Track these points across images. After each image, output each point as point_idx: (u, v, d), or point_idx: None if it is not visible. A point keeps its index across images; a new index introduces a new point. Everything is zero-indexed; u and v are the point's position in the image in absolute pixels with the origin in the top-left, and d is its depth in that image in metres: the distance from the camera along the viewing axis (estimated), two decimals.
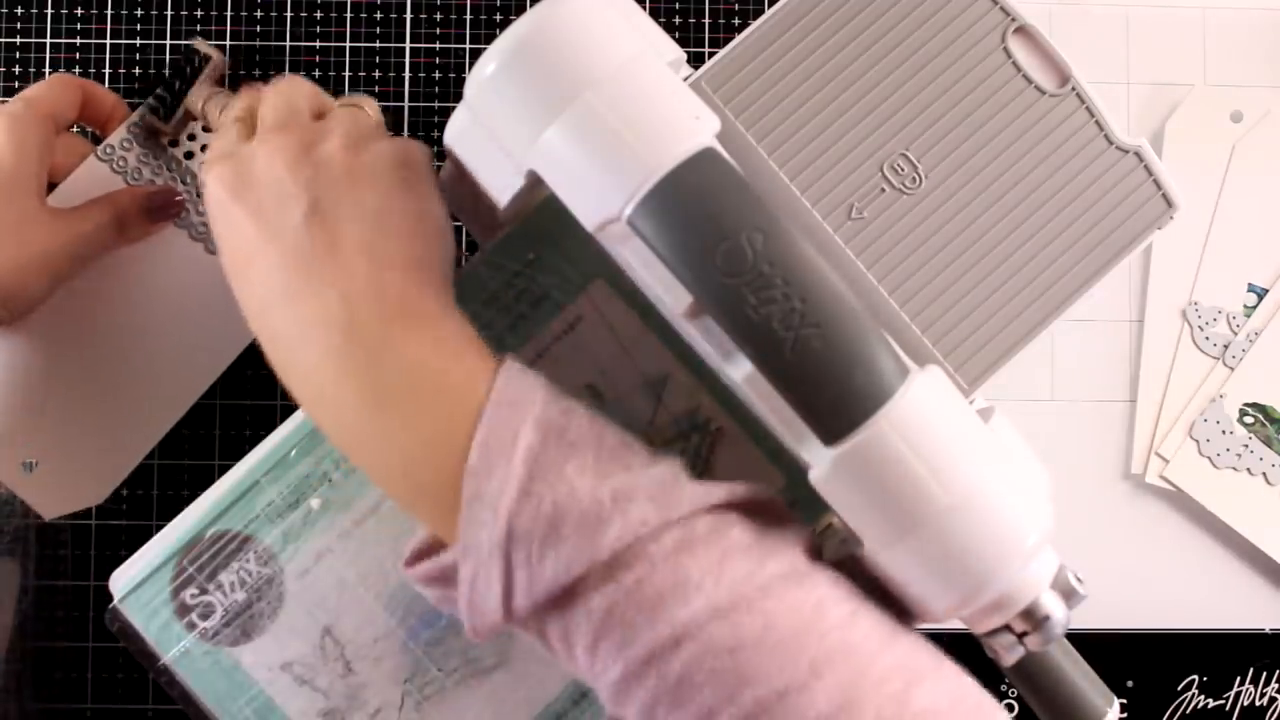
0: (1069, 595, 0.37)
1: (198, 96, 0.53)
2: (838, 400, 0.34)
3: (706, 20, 0.59)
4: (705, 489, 0.36)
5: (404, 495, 0.38)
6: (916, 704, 0.33)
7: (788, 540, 0.36)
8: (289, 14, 0.59)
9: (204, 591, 0.44)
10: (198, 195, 0.55)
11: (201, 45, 0.54)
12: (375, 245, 0.37)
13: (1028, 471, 0.39)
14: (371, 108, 0.44)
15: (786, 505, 0.39)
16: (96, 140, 0.54)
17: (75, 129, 0.55)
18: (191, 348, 0.56)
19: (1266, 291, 0.59)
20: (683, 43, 0.53)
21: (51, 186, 0.53)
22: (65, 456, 0.55)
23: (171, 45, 0.58)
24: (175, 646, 0.44)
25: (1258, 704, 0.58)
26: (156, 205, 0.53)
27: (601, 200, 0.35)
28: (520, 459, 0.35)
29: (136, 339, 0.55)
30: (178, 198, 0.54)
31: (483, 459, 0.35)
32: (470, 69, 0.37)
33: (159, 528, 0.44)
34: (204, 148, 0.56)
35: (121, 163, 0.54)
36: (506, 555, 0.34)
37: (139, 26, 0.58)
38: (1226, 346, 0.59)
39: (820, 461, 0.35)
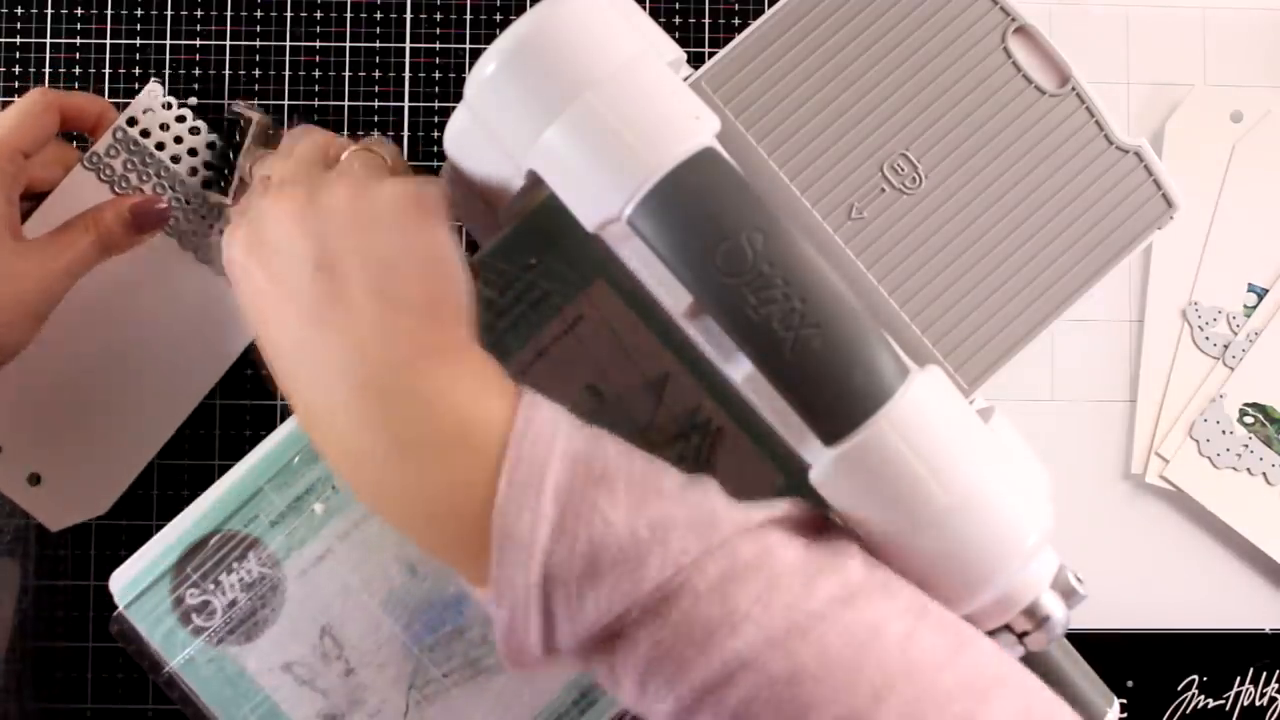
0: (1069, 595, 0.37)
1: (247, 160, 0.53)
2: (837, 400, 0.34)
3: (706, 20, 0.59)
4: (744, 511, 0.35)
5: (431, 543, 0.37)
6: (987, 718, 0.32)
7: (835, 553, 0.35)
8: (289, 14, 0.58)
9: (206, 594, 0.44)
10: (186, 202, 0.55)
11: (242, 108, 0.54)
12: (385, 290, 0.36)
13: (1028, 471, 0.39)
14: (387, 150, 0.42)
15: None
16: (85, 144, 0.54)
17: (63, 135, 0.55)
18: (187, 355, 0.56)
19: (1266, 291, 0.59)
20: (683, 43, 0.53)
21: (41, 196, 0.53)
22: (69, 468, 0.55)
23: (172, 45, 0.58)
24: (180, 653, 0.44)
25: (1258, 704, 0.58)
26: (142, 216, 0.52)
27: (601, 200, 0.35)
28: (550, 496, 0.34)
29: (133, 348, 0.55)
30: (161, 205, 0.53)
31: (511, 498, 0.34)
32: (470, 69, 0.37)
33: (159, 528, 0.44)
34: (191, 151, 0.56)
35: (109, 171, 0.54)
36: (545, 596, 0.34)
37: (139, 26, 0.58)
38: (1226, 346, 0.59)
39: (820, 461, 0.35)
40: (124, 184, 0.54)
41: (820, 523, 0.37)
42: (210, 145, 0.56)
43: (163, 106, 0.56)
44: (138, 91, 0.56)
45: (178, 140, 0.55)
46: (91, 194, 0.53)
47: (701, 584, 0.33)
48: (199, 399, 0.56)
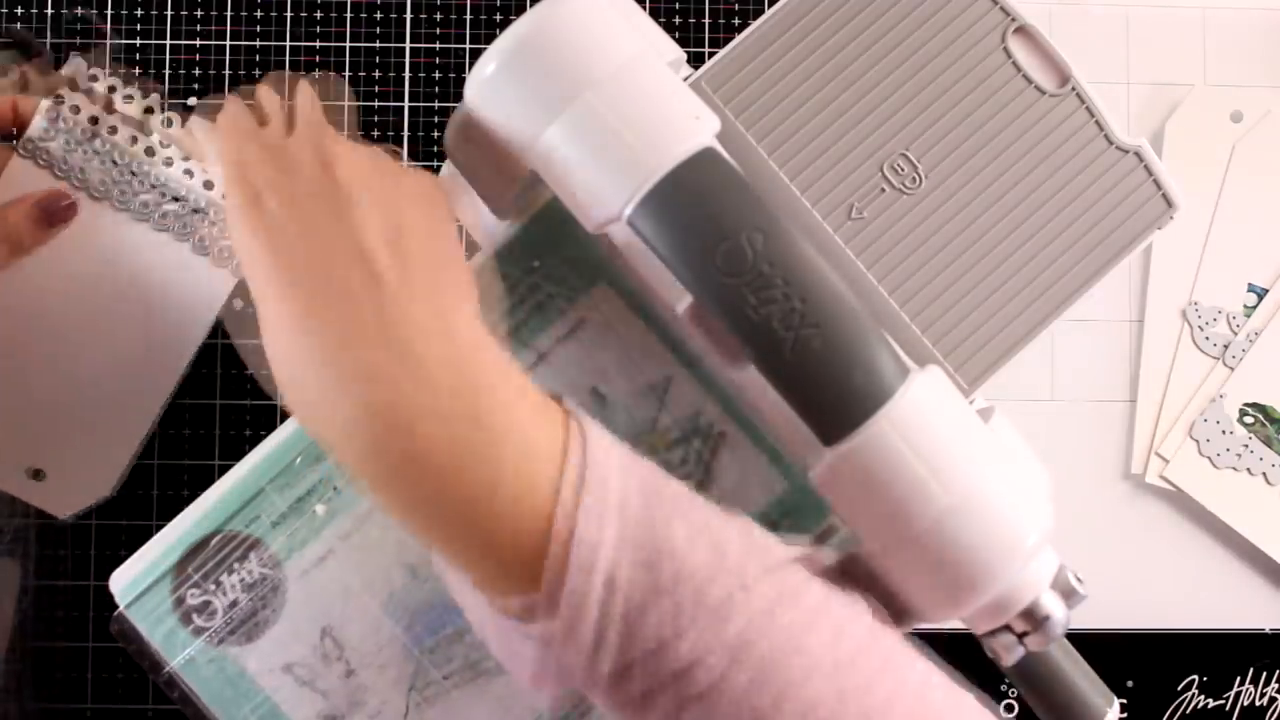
0: (1069, 595, 0.37)
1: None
2: (838, 400, 0.34)
3: (706, 20, 0.59)
4: (783, 544, 0.35)
5: (478, 553, 0.34)
6: None
7: (854, 601, 0.35)
8: (289, 14, 0.58)
9: (207, 595, 0.44)
10: (131, 174, 0.54)
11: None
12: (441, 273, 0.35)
13: (1028, 471, 0.39)
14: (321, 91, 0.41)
15: (786, 509, 0.39)
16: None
17: None
18: (165, 326, 0.55)
19: (1266, 291, 0.59)
20: (683, 43, 0.53)
21: None
22: (67, 456, 0.55)
23: (172, 45, 0.58)
24: (181, 653, 0.44)
25: (1258, 704, 0.58)
26: (49, 211, 0.51)
27: (602, 200, 0.35)
28: (615, 508, 0.32)
29: (107, 327, 0.55)
30: (66, 201, 0.52)
31: (575, 501, 0.32)
32: (470, 69, 0.37)
33: (159, 528, 0.44)
34: (128, 120, 0.54)
35: (45, 155, 0.53)
36: (604, 602, 0.32)
37: (139, 26, 0.58)
38: (1226, 346, 0.59)
39: (820, 462, 0.35)
40: (63, 166, 0.53)
41: (833, 574, 0.36)
42: (148, 110, 0.55)
43: (89, 79, 0.54)
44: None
45: (110, 110, 0.54)
46: (34, 181, 0.53)
47: (759, 605, 0.32)
48: (183, 368, 0.56)
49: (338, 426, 0.33)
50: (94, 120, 0.54)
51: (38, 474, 0.55)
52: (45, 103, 0.53)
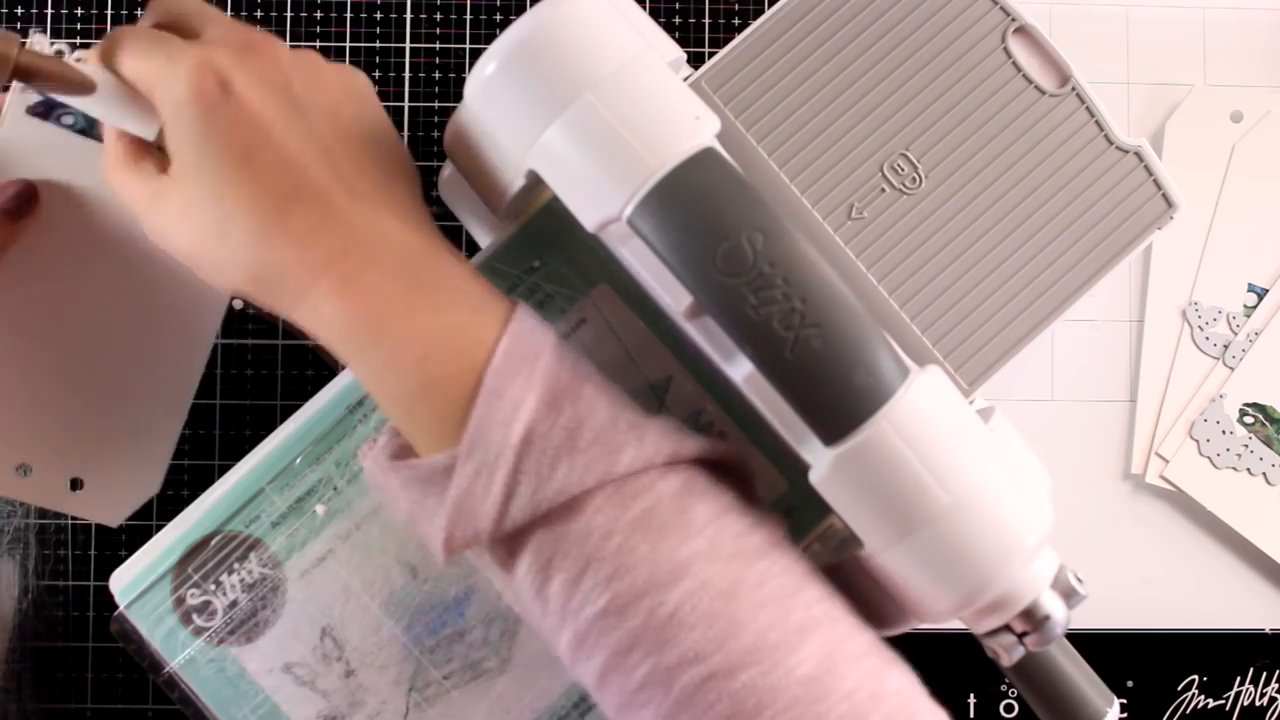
0: (1069, 595, 0.37)
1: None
2: (838, 400, 0.34)
3: (706, 20, 0.59)
4: (703, 441, 0.37)
5: (411, 387, 0.36)
6: (891, 684, 0.34)
7: (766, 516, 0.37)
8: (289, 14, 0.58)
9: (207, 595, 0.44)
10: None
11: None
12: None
13: (1028, 471, 0.39)
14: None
15: (786, 508, 0.39)
16: None
17: None
18: (180, 307, 0.53)
19: (1266, 291, 0.59)
20: (683, 43, 0.53)
21: None
22: (106, 461, 0.54)
23: None
24: (181, 653, 0.44)
25: (1258, 704, 0.58)
26: (11, 206, 0.49)
27: (602, 200, 0.35)
28: (541, 374, 0.35)
29: (123, 318, 0.53)
30: (21, 186, 0.48)
31: (507, 363, 0.35)
32: (470, 69, 0.37)
33: (159, 528, 0.44)
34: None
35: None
36: (518, 458, 0.34)
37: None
38: (1226, 346, 0.59)
39: (820, 462, 0.35)
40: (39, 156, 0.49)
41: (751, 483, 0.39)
42: (59, 54, 0.49)
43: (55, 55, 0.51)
44: None
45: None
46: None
47: (666, 489, 0.35)
48: (208, 344, 0.54)
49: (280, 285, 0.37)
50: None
51: (76, 484, 0.53)
52: (12, 93, 0.49)
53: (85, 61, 0.41)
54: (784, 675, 0.32)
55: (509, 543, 0.35)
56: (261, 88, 0.37)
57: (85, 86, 0.40)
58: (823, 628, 0.34)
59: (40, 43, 0.48)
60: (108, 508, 0.53)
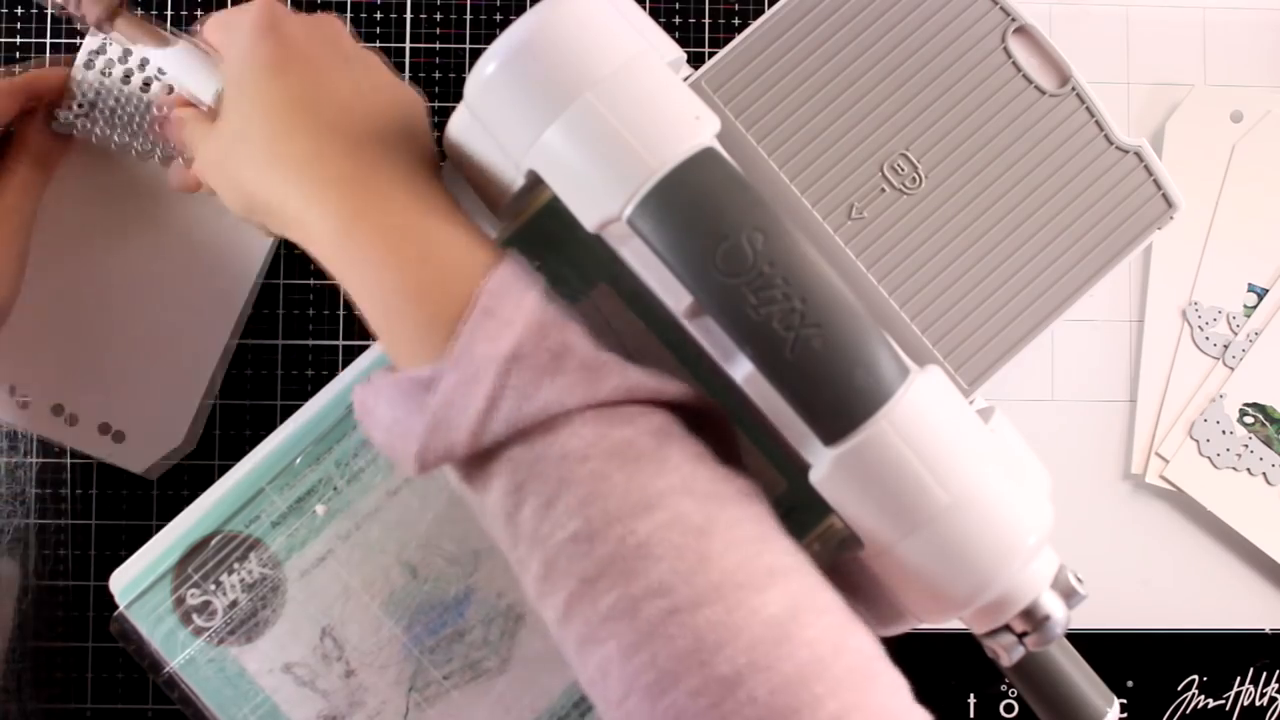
0: (1069, 595, 0.37)
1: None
2: (838, 400, 0.34)
3: (706, 20, 0.59)
4: (687, 388, 0.37)
5: (402, 291, 0.37)
6: (854, 641, 0.33)
7: (742, 473, 0.37)
8: None
9: (207, 595, 0.44)
10: (140, 121, 0.52)
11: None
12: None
13: (1028, 471, 0.39)
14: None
15: (786, 508, 0.39)
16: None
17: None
18: (213, 263, 0.56)
19: (1266, 291, 0.59)
20: (683, 43, 0.53)
21: None
22: (133, 409, 0.56)
23: None
24: (181, 653, 0.44)
25: (1258, 704, 0.58)
26: (47, 101, 0.51)
27: (602, 200, 0.35)
28: (533, 303, 0.36)
29: (157, 271, 0.56)
30: (56, 74, 0.51)
31: (502, 286, 0.36)
32: (470, 69, 0.37)
33: (159, 528, 0.44)
34: (161, 70, 0.51)
35: (85, 126, 0.52)
36: (504, 372, 0.34)
37: None
38: (1226, 346, 0.59)
39: (820, 461, 0.35)
40: (107, 130, 0.52)
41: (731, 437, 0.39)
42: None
43: (108, 43, 0.52)
44: None
45: (143, 65, 0.52)
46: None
47: (646, 424, 0.35)
48: (241, 302, 0.56)
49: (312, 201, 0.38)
50: (127, 77, 0.52)
51: (115, 434, 0.55)
52: (74, 73, 0.51)
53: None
54: (748, 615, 0.32)
55: (484, 462, 0.35)
56: (311, 30, 0.42)
57: (164, 40, 0.47)
58: (792, 575, 0.34)
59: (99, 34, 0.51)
60: (136, 456, 0.55)
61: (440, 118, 0.59)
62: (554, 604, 0.34)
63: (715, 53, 0.41)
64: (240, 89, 0.41)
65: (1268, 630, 0.58)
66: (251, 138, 0.40)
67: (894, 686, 0.33)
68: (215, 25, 0.44)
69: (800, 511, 0.42)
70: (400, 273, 0.37)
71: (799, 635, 0.32)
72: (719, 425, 0.38)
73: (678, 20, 0.59)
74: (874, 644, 0.34)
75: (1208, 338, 0.59)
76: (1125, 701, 0.58)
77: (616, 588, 0.33)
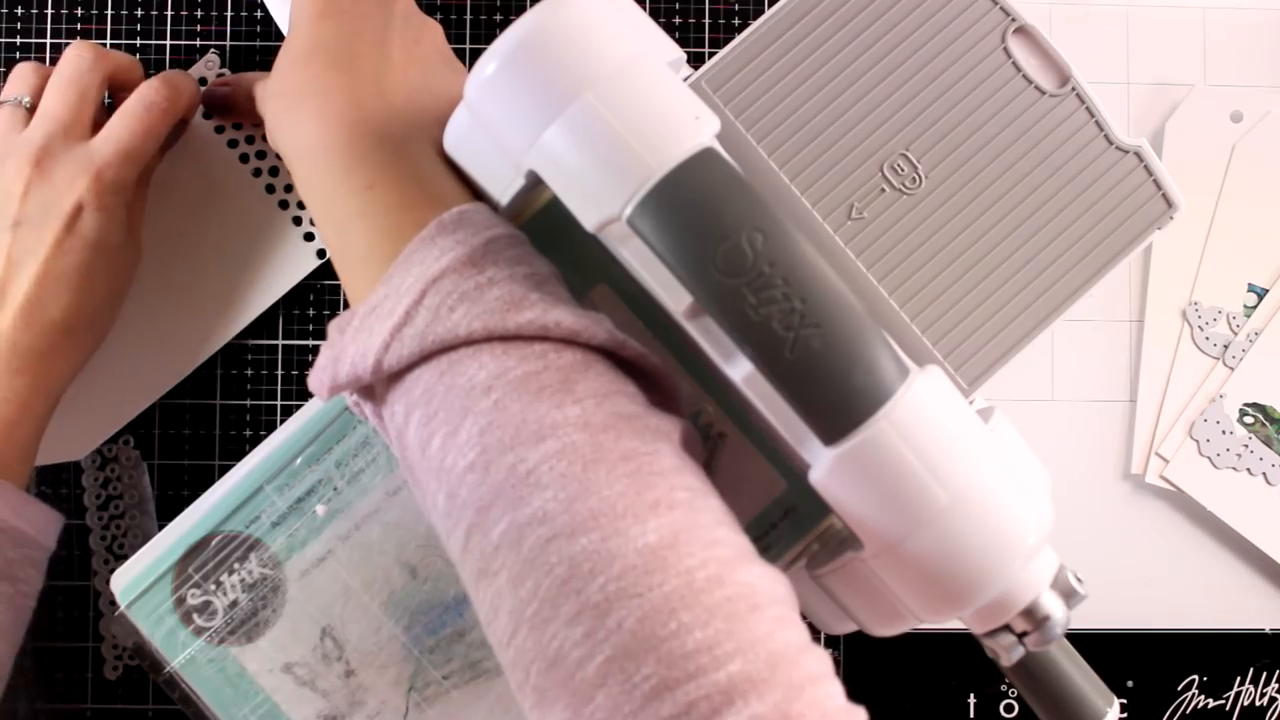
0: (1069, 595, 0.37)
1: None
2: (838, 400, 0.34)
3: (706, 20, 0.59)
4: (618, 336, 0.37)
5: (352, 208, 0.38)
6: (742, 575, 0.33)
7: (674, 420, 0.37)
8: None
9: (208, 595, 0.44)
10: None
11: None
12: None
13: (1028, 471, 0.39)
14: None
15: (786, 508, 0.39)
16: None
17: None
18: (238, 280, 0.57)
19: (1266, 291, 0.59)
20: (683, 43, 0.53)
21: None
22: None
23: (172, 45, 0.58)
24: (181, 653, 0.44)
25: (1258, 704, 0.58)
26: (211, 100, 0.55)
27: (601, 200, 0.35)
28: (485, 240, 0.36)
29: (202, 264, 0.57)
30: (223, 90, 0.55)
31: (458, 220, 0.37)
32: (470, 69, 0.37)
33: (159, 528, 0.44)
34: None
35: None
36: (422, 293, 0.35)
37: (139, 26, 0.58)
38: (1226, 346, 0.59)
39: (820, 461, 0.35)
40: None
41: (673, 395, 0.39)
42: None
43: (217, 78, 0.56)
44: None
45: None
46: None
47: (556, 360, 0.35)
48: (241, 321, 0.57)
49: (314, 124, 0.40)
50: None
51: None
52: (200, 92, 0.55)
53: None
54: (623, 543, 0.32)
55: (403, 396, 0.36)
56: None
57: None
58: (679, 510, 0.33)
59: (213, 63, 0.56)
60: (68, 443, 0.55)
61: None
62: (457, 536, 0.34)
63: (715, 53, 0.41)
64: (290, 30, 0.42)
65: (1268, 630, 0.58)
66: (280, 73, 0.42)
67: (782, 621, 0.33)
68: None
69: (800, 511, 0.42)
70: (350, 195, 0.38)
71: (676, 564, 0.32)
72: (654, 376, 0.38)
73: (678, 20, 0.59)
74: (774, 584, 0.34)
75: (1208, 338, 0.59)
76: (1125, 701, 0.58)
77: (506, 515, 0.33)
